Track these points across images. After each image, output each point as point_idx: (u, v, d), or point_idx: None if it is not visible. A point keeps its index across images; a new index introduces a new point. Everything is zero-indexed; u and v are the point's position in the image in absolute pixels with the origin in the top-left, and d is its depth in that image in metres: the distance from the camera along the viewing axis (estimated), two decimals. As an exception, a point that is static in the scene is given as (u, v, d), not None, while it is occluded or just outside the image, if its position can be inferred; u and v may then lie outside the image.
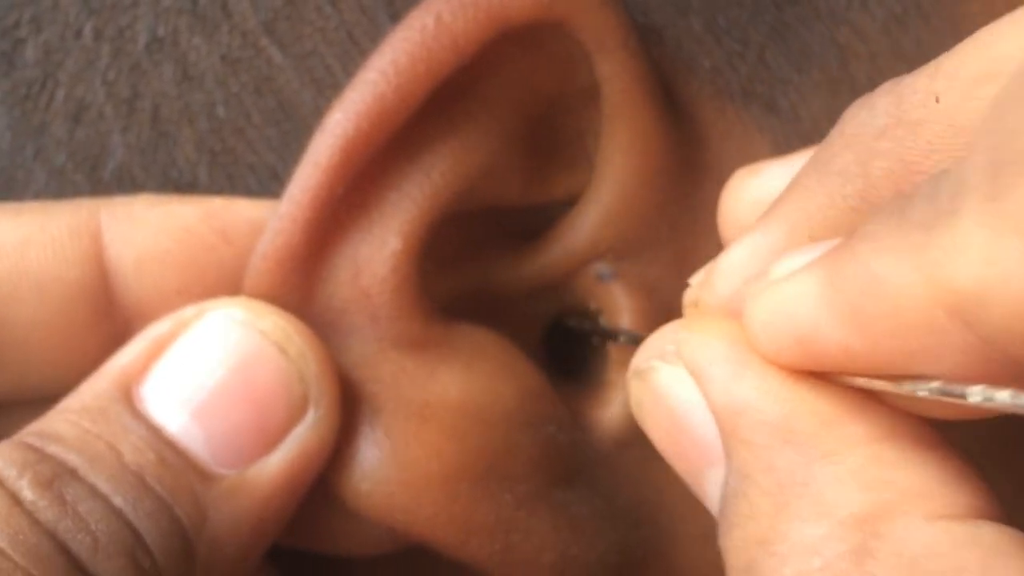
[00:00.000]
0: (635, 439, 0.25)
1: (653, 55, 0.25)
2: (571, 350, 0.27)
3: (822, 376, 0.19)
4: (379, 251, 0.23)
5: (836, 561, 0.17)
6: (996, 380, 0.16)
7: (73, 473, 0.22)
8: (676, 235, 0.25)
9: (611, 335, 0.25)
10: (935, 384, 0.17)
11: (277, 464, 0.23)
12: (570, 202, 0.25)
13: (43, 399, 0.24)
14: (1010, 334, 0.15)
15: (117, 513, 0.21)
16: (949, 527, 0.17)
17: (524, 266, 0.25)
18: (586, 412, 0.26)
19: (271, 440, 0.23)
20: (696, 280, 0.22)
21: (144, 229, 0.24)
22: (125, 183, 0.25)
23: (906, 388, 0.17)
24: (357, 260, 0.24)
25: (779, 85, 0.26)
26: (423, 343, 0.24)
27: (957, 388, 0.17)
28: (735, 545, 0.19)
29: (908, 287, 0.16)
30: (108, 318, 0.24)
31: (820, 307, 0.18)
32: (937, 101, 0.18)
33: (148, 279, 0.24)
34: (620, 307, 0.25)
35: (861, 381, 0.18)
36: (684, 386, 0.20)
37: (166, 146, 0.25)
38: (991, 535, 0.17)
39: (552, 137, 0.25)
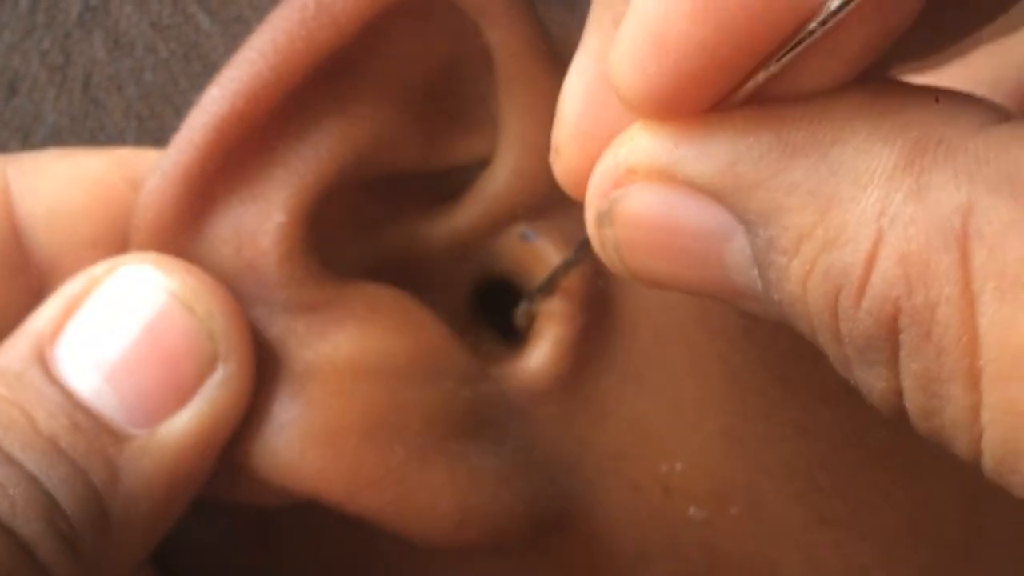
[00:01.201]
0: (554, 392, 0.25)
1: (565, 21, 0.25)
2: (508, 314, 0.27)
3: (731, 103, 0.18)
4: (262, 224, 0.23)
5: (902, 210, 0.17)
6: None
7: None
8: None
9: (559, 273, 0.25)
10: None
11: (186, 422, 0.23)
12: (482, 165, 0.25)
13: None
14: None
15: (32, 479, 0.22)
16: (988, 134, 0.17)
17: (440, 229, 0.25)
18: (503, 365, 0.25)
19: (181, 398, 0.23)
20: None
21: (53, 182, 0.24)
22: (55, 149, 0.26)
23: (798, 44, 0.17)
24: (240, 234, 0.24)
25: None
26: (314, 306, 0.24)
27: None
28: (800, 271, 0.18)
29: None
30: (22, 273, 0.24)
31: (666, 9, 0.17)
32: None
33: (60, 232, 0.24)
34: (549, 264, 0.25)
35: (764, 73, 0.18)
36: (657, 193, 0.19)
37: (96, 113, 0.26)
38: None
39: (452, 102, 0.25)
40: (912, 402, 0.17)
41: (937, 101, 0.18)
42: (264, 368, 0.24)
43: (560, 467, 0.25)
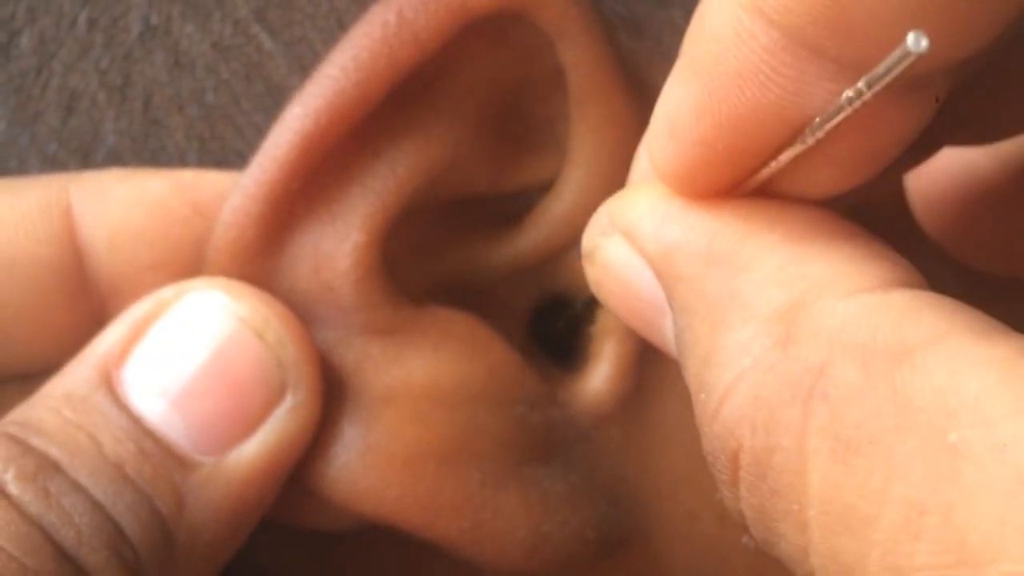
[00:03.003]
0: (616, 415, 0.25)
1: (632, 47, 0.25)
2: (563, 335, 0.27)
3: (738, 192, 0.19)
4: (341, 245, 0.23)
5: (764, 355, 0.17)
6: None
7: (56, 466, 0.22)
8: None
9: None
10: (816, 120, 0.17)
11: (254, 450, 0.23)
12: (546, 188, 0.25)
13: (21, 377, 0.24)
14: (797, 11, 0.16)
15: (98, 507, 0.21)
16: (861, 299, 0.17)
17: (503, 252, 0.25)
18: (568, 389, 0.25)
19: (249, 426, 0.23)
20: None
21: (115, 204, 0.24)
22: (116, 170, 0.25)
23: (797, 145, 0.18)
24: (317, 254, 0.23)
25: None
26: (390, 329, 0.24)
27: (833, 107, 0.17)
28: (689, 374, 0.19)
29: (716, 7, 0.17)
30: (83, 295, 0.24)
31: (678, 100, 0.18)
32: None
33: (121, 255, 0.24)
34: None
35: (767, 169, 0.19)
36: (625, 251, 0.20)
37: (157, 133, 0.25)
38: (903, 298, 0.17)
39: (521, 124, 0.25)
40: (753, 530, 0.18)
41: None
42: (338, 392, 0.24)
43: (622, 492, 0.25)
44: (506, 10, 0.23)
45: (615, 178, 0.24)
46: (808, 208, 0.19)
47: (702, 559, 0.26)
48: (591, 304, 0.26)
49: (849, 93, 0.17)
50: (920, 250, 0.25)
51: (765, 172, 0.19)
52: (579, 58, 0.24)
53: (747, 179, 0.19)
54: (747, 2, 0.17)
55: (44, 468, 0.21)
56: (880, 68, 0.16)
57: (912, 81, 0.17)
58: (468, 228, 0.25)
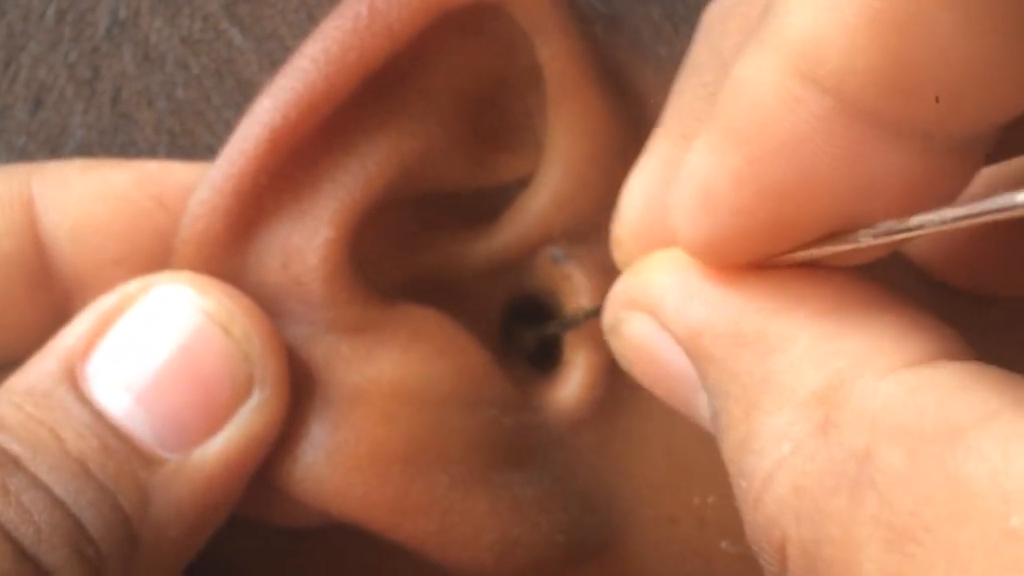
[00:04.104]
0: (591, 420, 0.25)
1: (609, 42, 0.25)
2: (539, 338, 0.26)
3: (771, 265, 0.18)
4: (310, 240, 0.23)
5: (805, 441, 0.17)
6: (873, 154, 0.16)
7: (16, 462, 0.21)
8: None
9: (575, 321, 0.25)
10: (879, 225, 0.17)
11: (221, 447, 0.23)
12: (524, 183, 0.25)
13: None
14: (853, 76, 0.16)
15: (59, 504, 0.21)
16: (902, 377, 0.16)
17: (477, 249, 0.25)
18: (542, 394, 0.25)
19: (215, 422, 0.23)
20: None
21: (78, 197, 0.24)
22: (84, 164, 0.25)
23: (847, 242, 0.17)
24: (287, 249, 0.23)
25: None
26: (359, 327, 0.24)
27: (900, 222, 0.16)
28: (727, 457, 0.18)
29: (757, 73, 0.17)
30: (46, 288, 0.24)
31: (712, 168, 0.17)
32: None
33: (85, 248, 0.24)
34: (578, 288, 0.25)
35: (806, 253, 0.18)
36: (650, 328, 0.20)
37: (126, 128, 0.25)
38: (948, 374, 0.16)
39: (498, 119, 0.25)
40: None
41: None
42: (306, 389, 0.23)
43: (599, 497, 0.25)
44: (481, 3, 0.23)
45: (589, 176, 0.24)
46: (838, 276, 0.19)
47: (682, 563, 0.26)
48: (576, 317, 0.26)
49: (924, 218, 0.16)
50: (896, 267, 0.26)
51: (802, 255, 0.18)
52: (555, 53, 0.23)
53: (779, 255, 0.18)
54: (795, 71, 0.16)
55: (4, 464, 0.21)
56: (971, 209, 0.15)
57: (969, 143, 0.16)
58: (443, 223, 0.25)
